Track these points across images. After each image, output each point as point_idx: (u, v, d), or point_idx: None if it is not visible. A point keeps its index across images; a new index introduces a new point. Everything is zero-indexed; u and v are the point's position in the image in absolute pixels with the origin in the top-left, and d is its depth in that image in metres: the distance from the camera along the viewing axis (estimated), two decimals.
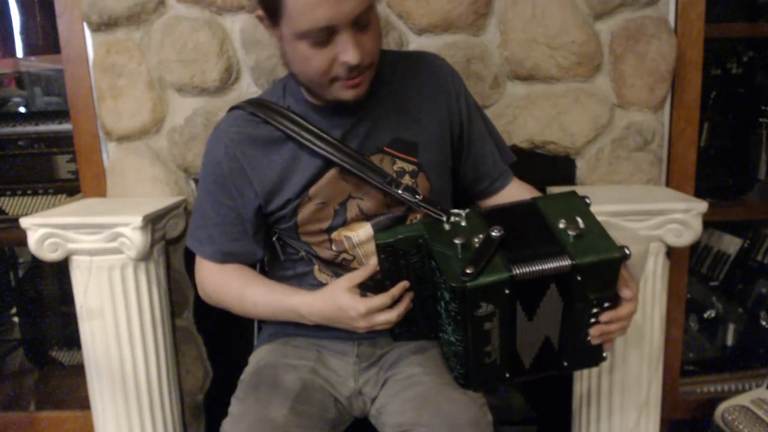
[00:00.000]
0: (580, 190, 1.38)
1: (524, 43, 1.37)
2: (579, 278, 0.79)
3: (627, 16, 1.39)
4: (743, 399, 1.53)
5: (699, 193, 1.46)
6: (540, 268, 0.79)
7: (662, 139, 1.46)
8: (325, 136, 0.98)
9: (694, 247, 1.84)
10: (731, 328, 1.89)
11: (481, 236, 0.82)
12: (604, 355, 0.90)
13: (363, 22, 0.86)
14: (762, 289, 1.86)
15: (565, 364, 0.90)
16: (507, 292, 0.79)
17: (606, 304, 0.83)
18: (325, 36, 0.85)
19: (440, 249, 0.83)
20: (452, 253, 0.81)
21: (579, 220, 0.82)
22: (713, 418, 1.54)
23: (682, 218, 1.25)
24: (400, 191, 0.97)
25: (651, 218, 1.25)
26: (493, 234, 0.81)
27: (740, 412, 1.50)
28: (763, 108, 1.84)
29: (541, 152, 1.43)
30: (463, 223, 0.86)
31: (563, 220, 0.83)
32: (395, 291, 0.90)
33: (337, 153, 0.97)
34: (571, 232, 0.80)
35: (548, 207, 0.87)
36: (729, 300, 1.91)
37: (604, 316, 0.85)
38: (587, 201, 0.88)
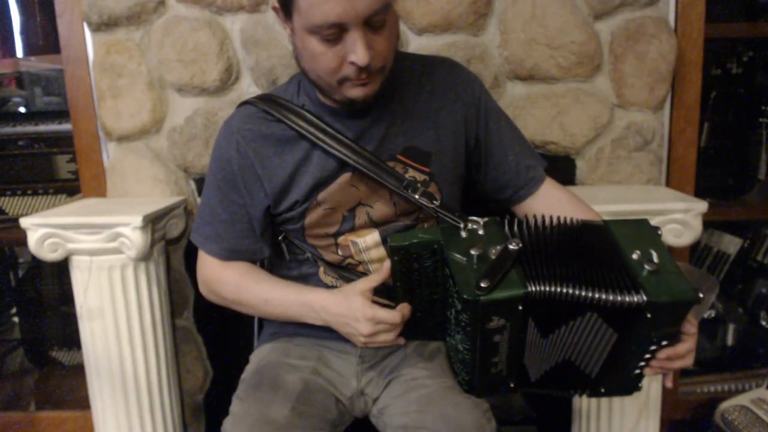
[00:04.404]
0: (581, 190, 1.40)
1: (524, 43, 1.37)
2: (648, 316, 0.77)
3: (627, 16, 1.39)
4: (743, 399, 1.53)
5: (699, 193, 1.47)
6: (583, 294, 0.76)
7: (662, 139, 1.46)
8: (341, 137, 0.96)
9: (694, 247, 1.85)
10: (731, 328, 1.89)
11: (498, 248, 0.80)
12: (640, 385, 0.89)
13: (376, 23, 0.83)
14: (762, 289, 1.86)
15: (602, 390, 0.89)
16: (520, 308, 0.78)
17: (664, 342, 0.82)
18: (335, 33, 0.82)
19: (455, 258, 0.81)
20: (467, 263, 0.79)
21: (653, 253, 0.79)
22: (713, 418, 1.54)
23: (682, 218, 1.25)
24: (417, 196, 0.95)
25: (651, 218, 1.24)
26: (511, 246, 0.79)
27: (740, 412, 1.50)
28: (763, 108, 1.83)
29: (541, 152, 1.43)
30: (481, 232, 0.84)
31: (637, 252, 0.79)
32: (406, 312, 0.89)
33: (353, 155, 0.95)
34: (647, 267, 0.77)
35: (621, 233, 0.83)
36: (729, 300, 1.91)
37: (662, 353, 0.83)
38: (659, 232, 0.84)
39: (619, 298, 0.75)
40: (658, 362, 0.84)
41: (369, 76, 0.87)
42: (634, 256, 0.79)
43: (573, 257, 0.80)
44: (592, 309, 0.78)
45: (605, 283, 0.77)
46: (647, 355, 0.83)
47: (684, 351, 0.84)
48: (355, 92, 0.90)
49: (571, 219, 0.86)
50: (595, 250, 0.82)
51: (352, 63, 0.84)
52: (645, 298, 0.75)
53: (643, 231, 0.85)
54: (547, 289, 0.77)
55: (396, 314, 0.89)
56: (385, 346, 1.06)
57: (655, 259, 0.79)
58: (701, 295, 0.76)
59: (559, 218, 0.85)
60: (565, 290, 0.76)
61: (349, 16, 0.80)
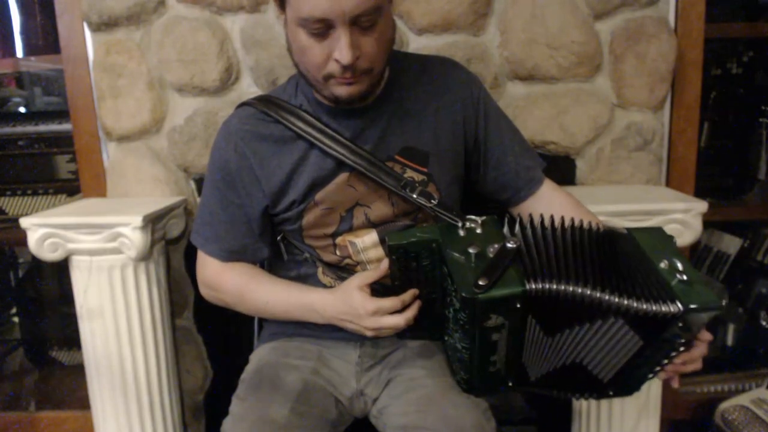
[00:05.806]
0: (581, 190, 1.40)
1: (524, 43, 1.37)
2: (680, 325, 0.78)
3: (627, 16, 1.39)
4: (743, 399, 1.54)
5: (699, 193, 1.46)
6: (606, 297, 0.76)
7: (662, 139, 1.46)
8: (339, 137, 0.96)
9: (694, 247, 1.85)
10: (731, 328, 1.89)
11: (496, 246, 0.80)
12: (642, 386, 0.90)
13: (365, 23, 0.83)
14: (762, 289, 1.86)
15: (611, 392, 0.89)
16: (518, 306, 0.78)
17: (682, 348, 0.83)
18: (321, 28, 0.82)
19: (453, 256, 0.81)
20: (466, 261, 0.80)
21: (678, 263, 0.80)
22: (713, 418, 1.54)
23: (682, 218, 1.25)
24: (415, 195, 0.95)
25: (651, 218, 1.25)
26: (509, 245, 0.79)
27: (740, 412, 1.50)
28: (763, 108, 1.83)
29: (541, 152, 1.43)
30: (479, 230, 0.85)
31: (665, 261, 0.81)
32: (406, 297, 0.88)
33: (351, 155, 0.95)
34: (678, 276, 0.79)
35: (645, 242, 0.84)
36: (729, 300, 1.90)
37: (679, 358, 0.84)
38: (675, 240, 0.86)
39: (653, 308, 0.76)
40: (674, 366, 0.85)
41: (354, 75, 0.87)
42: (662, 265, 0.80)
43: (592, 261, 0.80)
44: (617, 315, 0.78)
45: (639, 293, 0.77)
46: (665, 360, 0.84)
47: (698, 355, 0.85)
48: (340, 90, 0.89)
49: (590, 223, 0.85)
50: (625, 257, 0.83)
51: (336, 60, 0.84)
52: (681, 308, 0.76)
53: (662, 239, 0.86)
54: (549, 287, 0.77)
55: (395, 300, 0.88)
56: (385, 348, 1.07)
57: (681, 267, 0.79)
58: (724, 303, 0.78)
59: (572, 220, 0.85)
60: (574, 289, 0.76)
61: (335, 13, 0.80)
